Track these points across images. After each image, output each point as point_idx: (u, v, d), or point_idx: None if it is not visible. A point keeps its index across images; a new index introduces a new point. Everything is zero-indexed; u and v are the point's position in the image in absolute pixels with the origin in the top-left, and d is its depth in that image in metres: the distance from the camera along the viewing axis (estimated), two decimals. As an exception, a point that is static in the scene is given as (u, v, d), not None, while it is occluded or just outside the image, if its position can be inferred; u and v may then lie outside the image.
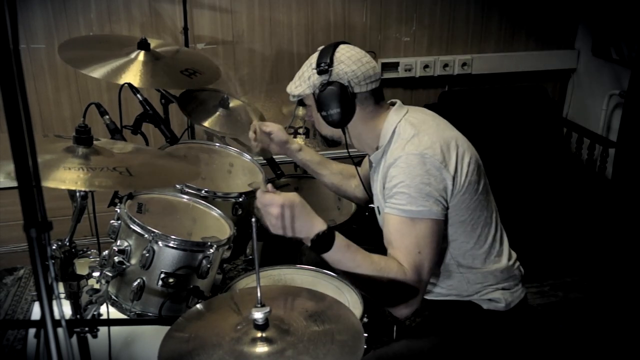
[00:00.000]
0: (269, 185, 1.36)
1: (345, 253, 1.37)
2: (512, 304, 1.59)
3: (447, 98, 3.24)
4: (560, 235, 2.80)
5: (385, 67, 3.17)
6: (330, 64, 1.52)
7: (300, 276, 1.80)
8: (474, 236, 1.54)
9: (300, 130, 2.39)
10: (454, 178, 1.46)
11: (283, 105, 2.54)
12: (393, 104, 1.62)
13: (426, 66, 3.21)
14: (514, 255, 1.65)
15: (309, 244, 1.35)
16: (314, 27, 3.04)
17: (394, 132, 1.55)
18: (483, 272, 1.57)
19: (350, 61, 1.53)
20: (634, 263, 2.65)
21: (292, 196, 1.34)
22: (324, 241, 1.35)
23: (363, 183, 1.87)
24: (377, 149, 1.61)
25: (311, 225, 1.35)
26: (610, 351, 2.32)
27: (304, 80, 1.58)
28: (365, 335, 1.23)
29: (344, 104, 1.53)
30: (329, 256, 1.37)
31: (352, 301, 1.66)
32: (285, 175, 2.37)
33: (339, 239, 1.36)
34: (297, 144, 1.94)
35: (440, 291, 1.62)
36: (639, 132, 2.71)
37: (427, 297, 1.65)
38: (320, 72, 1.53)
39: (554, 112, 3.42)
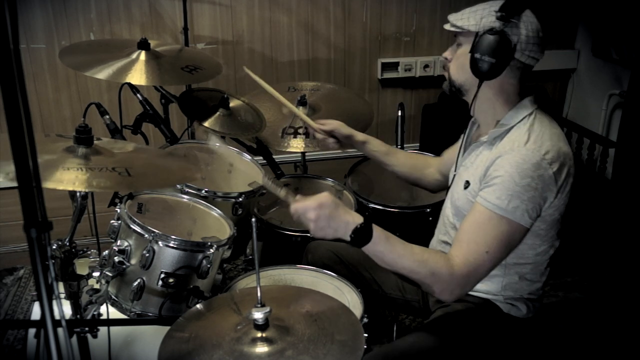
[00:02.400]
0: (298, 196, 1.35)
1: (385, 245, 1.33)
2: (530, 313, 1.58)
3: (447, 98, 3.23)
4: (560, 235, 2.80)
5: (385, 67, 3.17)
6: (514, 16, 1.44)
7: (300, 276, 1.80)
8: (537, 250, 1.52)
9: (300, 130, 2.39)
10: (557, 193, 1.42)
11: (283, 105, 2.53)
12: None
13: (426, 66, 3.21)
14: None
15: (349, 240, 1.31)
16: (314, 27, 3.04)
17: (523, 119, 1.49)
18: (521, 283, 1.55)
19: (530, 27, 1.45)
20: (634, 263, 2.65)
21: (323, 196, 1.32)
22: (362, 234, 1.31)
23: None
24: (496, 123, 1.54)
25: (348, 221, 1.31)
26: (610, 351, 2.32)
27: (475, 18, 1.48)
28: (365, 335, 1.23)
29: (500, 59, 1.44)
30: (369, 249, 1.33)
31: (352, 301, 1.66)
32: (285, 175, 2.37)
33: (377, 230, 1.32)
34: (362, 136, 1.89)
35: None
36: (639, 132, 2.71)
37: None
38: (499, 18, 1.44)
39: (554, 112, 3.42)
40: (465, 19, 1.49)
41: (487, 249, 1.38)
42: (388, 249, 1.33)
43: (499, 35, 1.43)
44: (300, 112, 1.91)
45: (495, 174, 1.41)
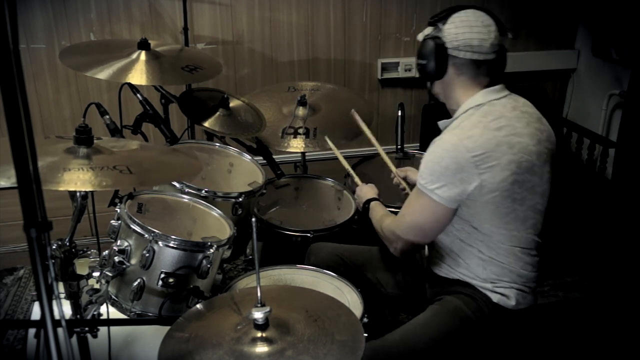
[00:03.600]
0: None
1: (371, 212, 1.84)
2: (520, 305, 1.59)
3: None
4: (560, 235, 2.80)
5: (385, 67, 3.17)
6: (440, 20, 1.58)
7: (300, 276, 1.80)
8: (500, 237, 1.56)
9: (300, 131, 2.39)
10: (480, 181, 1.47)
11: (283, 105, 2.54)
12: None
13: (426, 66, 3.21)
14: (537, 272, 1.65)
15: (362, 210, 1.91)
16: (314, 27, 3.04)
17: (468, 110, 1.57)
18: (502, 268, 1.58)
19: (461, 24, 1.55)
20: (634, 263, 2.65)
21: (366, 185, 1.97)
22: (365, 207, 1.88)
23: None
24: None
25: (364, 198, 1.90)
26: (610, 351, 2.32)
27: (424, 31, 1.65)
28: (365, 335, 1.23)
29: (434, 60, 1.57)
30: (370, 216, 1.85)
31: (352, 301, 1.66)
32: (286, 175, 2.37)
33: (373, 204, 1.85)
34: None
35: (456, 269, 1.64)
36: (639, 132, 2.71)
37: (440, 274, 1.68)
38: (429, 24, 1.61)
39: (554, 112, 3.42)
40: (421, 35, 1.66)
41: (405, 212, 1.63)
42: (372, 215, 1.83)
43: (429, 39, 1.58)
44: (388, 159, 2.10)
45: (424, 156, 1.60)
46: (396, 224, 1.65)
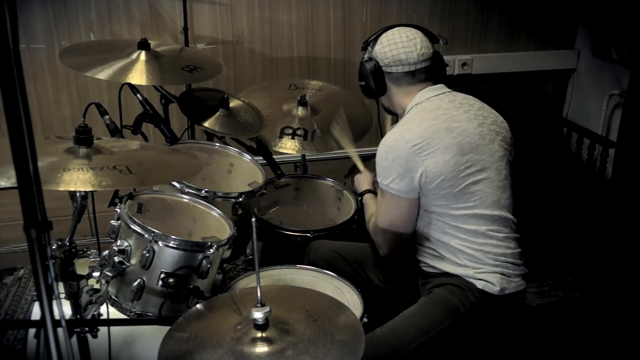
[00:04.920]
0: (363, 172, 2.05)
1: (364, 205, 1.91)
2: (506, 290, 1.61)
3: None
4: (560, 235, 2.80)
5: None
6: (370, 43, 1.76)
7: (300, 276, 1.80)
8: (464, 219, 1.61)
9: (299, 132, 2.39)
10: (423, 167, 1.57)
11: (283, 103, 2.53)
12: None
13: (426, 66, 3.21)
14: (518, 249, 1.67)
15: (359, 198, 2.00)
16: (314, 27, 3.04)
17: (410, 110, 1.70)
18: (476, 251, 1.62)
19: (387, 43, 1.71)
20: (634, 263, 2.65)
21: (363, 174, 2.01)
22: (360, 197, 1.96)
23: None
24: None
25: (361, 188, 1.97)
26: (610, 351, 2.32)
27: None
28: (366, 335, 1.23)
29: (371, 79, 1.73)
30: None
31: (352, 301, 1.66)
32: (286, 175, 2.37)
33: (366, 196, 1.92)
34: None
35: (436, 263, 1.68)
36: (639, 132, 2.71)
37: (426, 269, 1.73)
38: (362, 49, 1.79)
39: (554, 112, 3.42)
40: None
41: (377, 212, 1.73)
42: (364, 211, 1.90)
43: (364, 63, 1.75)
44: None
45: None
46: (376, 225, 1.73)
